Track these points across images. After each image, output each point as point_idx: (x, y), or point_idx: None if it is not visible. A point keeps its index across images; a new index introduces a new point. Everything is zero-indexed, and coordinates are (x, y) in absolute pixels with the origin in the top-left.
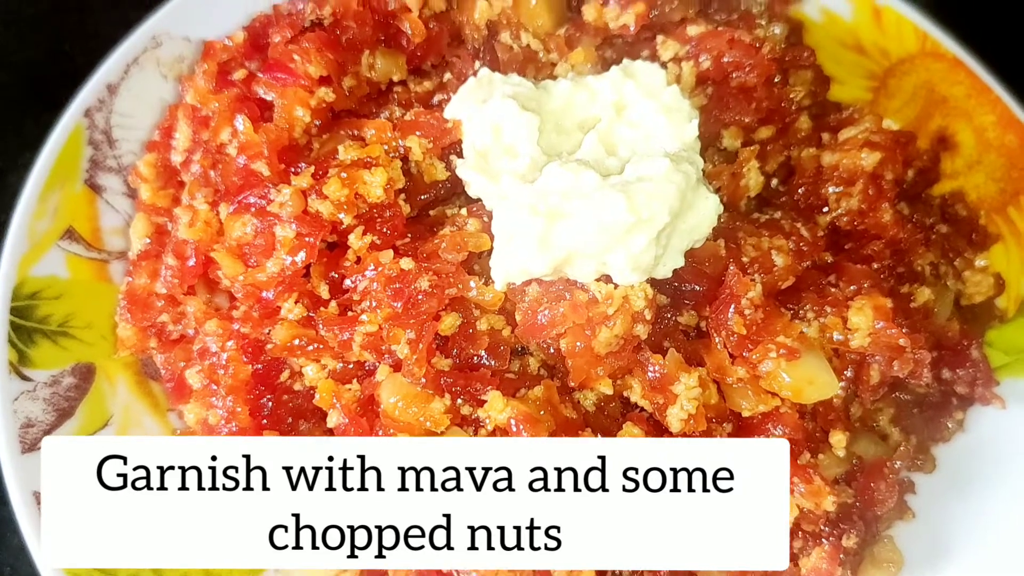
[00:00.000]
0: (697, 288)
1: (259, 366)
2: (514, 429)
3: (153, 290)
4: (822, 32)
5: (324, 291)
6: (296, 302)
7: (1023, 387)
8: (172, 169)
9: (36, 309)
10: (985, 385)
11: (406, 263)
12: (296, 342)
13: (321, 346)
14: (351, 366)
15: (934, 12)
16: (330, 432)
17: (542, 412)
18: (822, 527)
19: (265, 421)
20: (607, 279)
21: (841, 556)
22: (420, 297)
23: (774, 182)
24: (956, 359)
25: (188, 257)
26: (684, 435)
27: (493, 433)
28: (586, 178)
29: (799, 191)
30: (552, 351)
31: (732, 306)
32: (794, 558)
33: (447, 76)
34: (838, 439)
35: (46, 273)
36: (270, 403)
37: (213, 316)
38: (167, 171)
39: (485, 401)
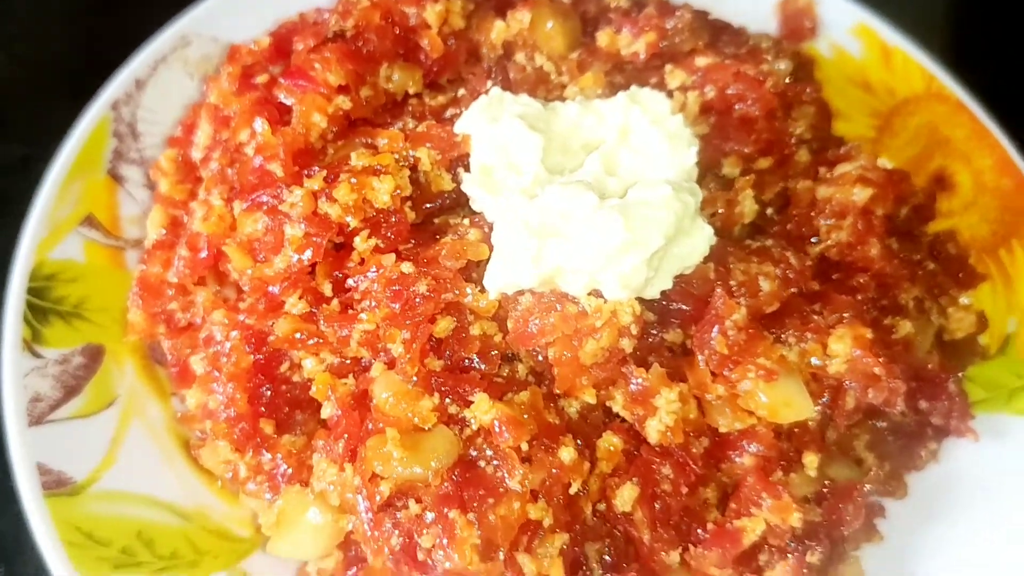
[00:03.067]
0: (684, 308)
1: (260, 356)
2: (497, 430)
3: (165, 278)
4: (832, 68)
5: (327, 289)
6: (300, 298)
7: (998, 423)
8: (191, 165)
9: (52, 290)
10: (960, 418)
11: (406, 267)
12: (297, 335)
13: (320, 341)
14: (348, 362)
15: (943, 55)
16: (324, 424)
17: (525, 416)
18: (788, 542)
19: (263, 409)
20: (598, 294)
21: (805, 571)
22: (417, 300)
23: (769, 211)
24: (933, 391)
25: (200, 249)
26: (661, 446)
27: (477, 433)
28: (584, 199)
29: (792, 221)
30: (541, 359)
31: (716, 327)
32: (759, 571)
33: (461, 91)
34: (811, 460)
35: (64, 257)
36: (269, 392)
37: (220, 306)
38: (186, 166)
39: (472, 402)
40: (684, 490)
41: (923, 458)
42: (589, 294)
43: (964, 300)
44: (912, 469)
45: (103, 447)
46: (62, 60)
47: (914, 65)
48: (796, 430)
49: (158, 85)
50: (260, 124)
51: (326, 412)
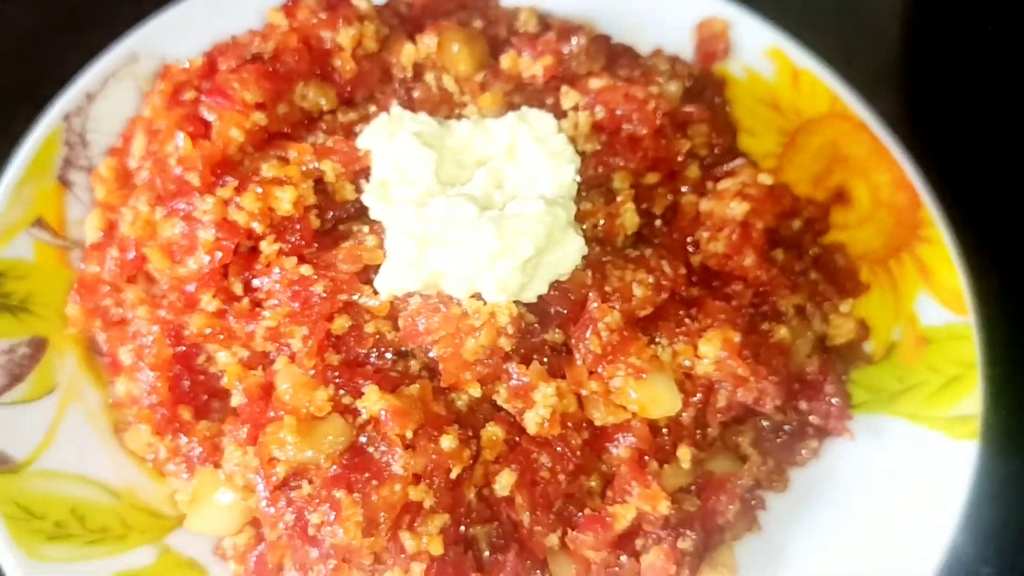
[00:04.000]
0: (562, 310)
1: (181, 349)
2: (383, 419)
3: (101, 277)
4: (742, 88)
5: (239, 288)
6: (214, 296)
7: (877, 423)
8: (128, 173)
9: (2, 286)
10: (837, 418)
11: (305, 269)
12: (208, 331)
13: (229, 336)
14: (258, 355)
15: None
16: (234, 411)
17: (414, 407)
18: (661, 529)
19: (183, 397)
20: (479, 297)
21: (679, 556)
22: (315, 300)
23: (658, 223)
24: (812, 392)
25: (128, 250)
26: (539, 436)
27: (368, 422)
28: (464, 210)
29: (677, 232)
30: (431, 356)
31: (590, 328)
32: (636, 554)
33: (372, 109)
34: (683, 452)
35: (15, 255)
36: (188, 382)
37: (146, 303)
38: (124, 174)
39: (364, 393)
40: (562, 478)
41: (804, 455)
42: (472, 297)
43: (844, 308)
44: (794, 465)
45: (43, 430)
46: (24, 75)
47: (820, 86)
48: (671, 425)
49: (107, 98)
50: (181, 138)
51: (235, 400)
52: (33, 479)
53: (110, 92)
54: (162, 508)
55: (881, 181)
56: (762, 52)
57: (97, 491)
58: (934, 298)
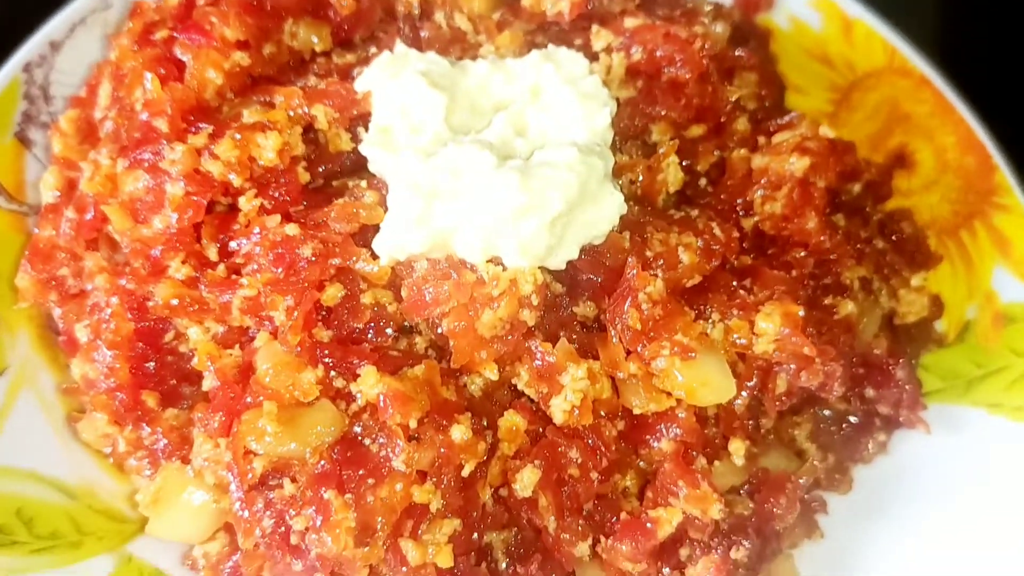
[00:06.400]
0: (595, 278)
1: (145, 324)
2: (382, 405)
3: (57, 243)
4: (789, 41)
5: (213, 253)
6: (183, 262)
7: (952, 414)
8: (93, 126)
9: None
10: (911, 408)
11: (291, 228)
12: (176, 302)
13: (202, 308)
14: (235, 331)
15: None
16: (206, 397)
17: (418, 392)
18: (710, 537)
19: (147, 380)
20: (498, 262)
21: (731, 569)
22: (302, 264)
23: (703, 182)
24: (881, 378)
25: (87, 210)
26: (567, 427)
27: (364, 408)
28: (480, 159)
29: (726, 192)
30: (440, 331)
31: (629, 299)
32: (680, 566)
33: (372, 51)
34: (736, 447)
35: None
36: (153, 363)
37: (105, 271)
38: (89, 128)
39: (360, 375)
40: (595, 476)
41: (870, 450)
42: (488, 262)
43: (916, 281)
44: (858, 462)
45: None
46: None
47: (876, 38)
48: (722, 414)
49: (75, 47)
50: (149, 79)
51: (207, 384)
52: None
53: (78, 41)
54: (124, 510)
55: (947, 143)
56: (808, 2)
57: (49, 490)
58: (1013, 273)
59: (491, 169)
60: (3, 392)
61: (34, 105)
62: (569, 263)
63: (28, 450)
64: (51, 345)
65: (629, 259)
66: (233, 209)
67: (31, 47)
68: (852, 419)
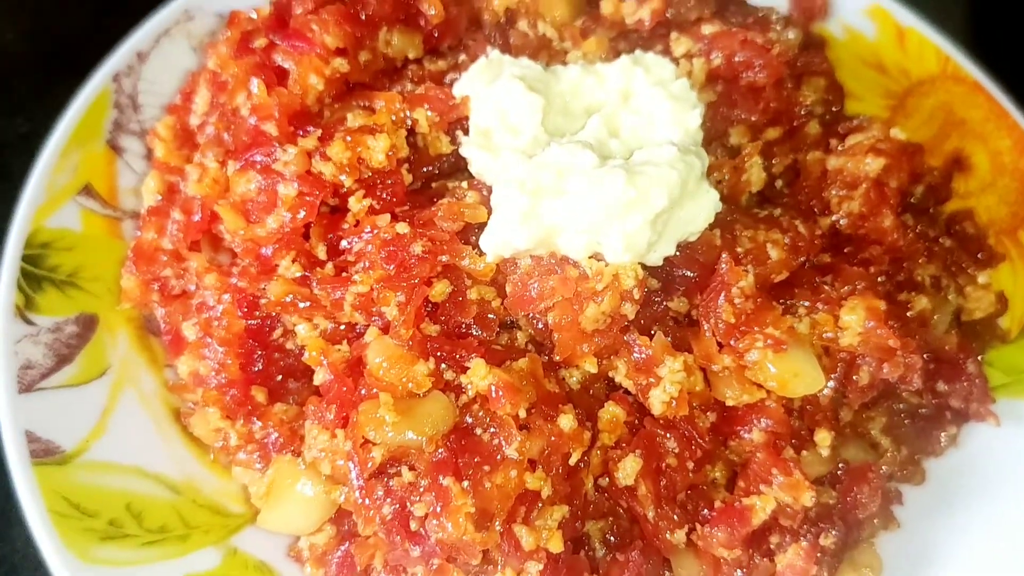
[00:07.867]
0: (689, 274)
1: (253, 321)
2: (494, 396)
3: (160, 245)
4: (844, 49)
5: (322, 252)
6: (293, 261)
7: (1018, 408)
8: (189, 132)
9: (47, 258)
10: (980, 401)
11: (401, 227)
12: (289, 299)
13: (313, 304)
14: (343, 327)
15: (959, 36)
16: (317, 391)
17: (524, 383)
18: (800, 524)
19: (255, 376)
20: (599, 257)
21: (818, 555)
22: (412, 261)
23: (779, 184)
24: (952, 372)
25: (194, 212)
26: (665, 418)
27: (474, 400)
28: (584, 157)
29: (802, 193)
30: (540, 327)
31: (723, 294)
32: (770, 553)
33: (462, 57)
34: (822, 437)
35: (60, 225)
36: (261, 359)
37: (213, 271)
38: (184, 133)
39: (468, 368)
40: (690, 465)
41: (942, 443)
42: (590, 257)
43: (982, 279)
44: (930, 454)
45: (94, 417)
46: (70, 36)
47: (929, 46)
48: (808, 406)
49: (160, 57)
50: (256, 85)
51: (319, 378)
52: (83, 472)
53: (163, 51)
54: (227, 505)
55: (1002, 146)
56: (863, 11)
57: (155, 485)
58: None
59: (594, 168)
60: (106, 391)
61: (123, 114)
62: (665, 260)
63: (132, 447)
64: (149, 346)
65: (722, 255)
66: (336, 210)
67: (119, 58)
68: (924, 412)
